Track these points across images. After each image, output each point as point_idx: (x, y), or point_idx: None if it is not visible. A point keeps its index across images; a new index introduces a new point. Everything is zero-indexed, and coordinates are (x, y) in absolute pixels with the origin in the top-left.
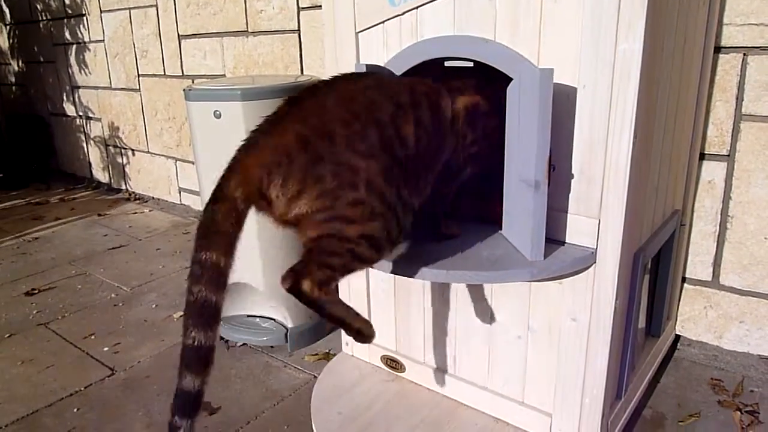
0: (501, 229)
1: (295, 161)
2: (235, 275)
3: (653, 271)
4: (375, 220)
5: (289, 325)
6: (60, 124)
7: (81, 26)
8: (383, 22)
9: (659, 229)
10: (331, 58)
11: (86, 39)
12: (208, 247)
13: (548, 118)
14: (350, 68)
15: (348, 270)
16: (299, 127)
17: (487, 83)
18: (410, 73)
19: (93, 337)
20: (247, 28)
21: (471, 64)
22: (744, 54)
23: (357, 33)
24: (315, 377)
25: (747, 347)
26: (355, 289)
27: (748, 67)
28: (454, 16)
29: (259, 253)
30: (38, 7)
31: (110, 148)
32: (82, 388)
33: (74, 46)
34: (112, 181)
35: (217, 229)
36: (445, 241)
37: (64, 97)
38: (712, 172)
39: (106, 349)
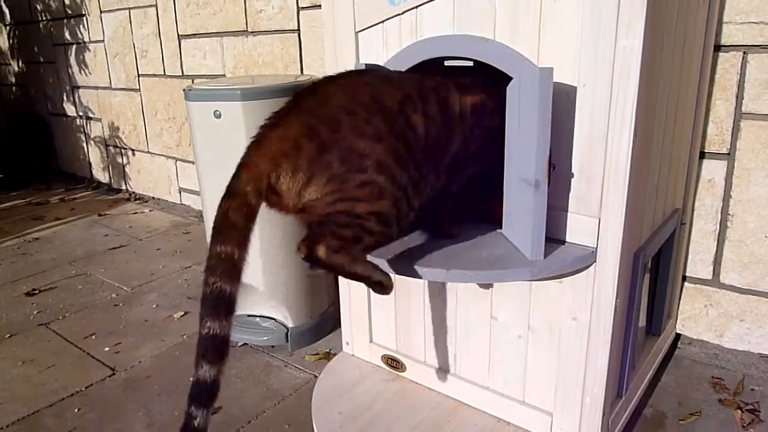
0: (501, 229)
1: (303, 150)
2: None
3: (653, 270)
4: (384, 198)
5: (290, 324)
6: (60, 125)
7: (81, 26)
8: (383, 21)
9: (659, 228)
10: (330, 58)
11: (86, 39)
12: (222, 241)
13: (548, 117)
14: (350, 68)
15: (359, 241)
16: (306, 117)
17: (492, 82)
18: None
19: (94, 337)
20: (247, 27)
21: (471, 64)
22: (744, 52)
23: (357, 32)
24: (316, 377)
25: (747, 345)
26: (355, 288)
27: (748, 65)
28: (453, 16)
29: (259, 253)
30: (38, 7)
31: (110, 148)
32: (83, 388)
33: (74, 47)
34: (113, 181)
35: (231, 223)
36: (445, 240)
37: (64, 98)
38: (712, 170)
39: (106, 349)
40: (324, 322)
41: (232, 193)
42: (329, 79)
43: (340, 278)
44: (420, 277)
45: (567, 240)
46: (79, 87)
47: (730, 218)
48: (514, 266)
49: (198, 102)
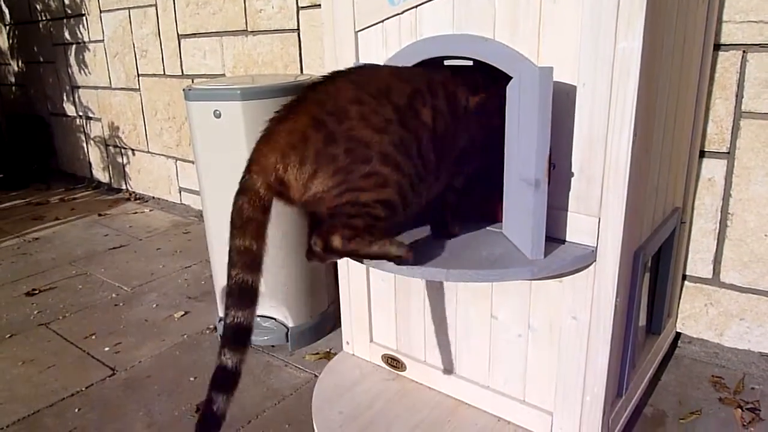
0: (501, 228)
1: (310, 141)
2: None
3: (653, 269)
4: (388, 186)
5: (290, 324)
6: (60, 124)
7: (80, 26)
8: (382, 21)
9: (659, 227)
10: (330, 58)
11: (86, 39)
12: (240, 235)
13: (548, 116)
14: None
15: (370, 228)
16: (315, 110)
17: (495, 80)
18: None
19: (94, 337)
20: (247, 27)
21: (471, 63)
22: (743, 51)
23: (356, 32)
24: (316, 376)
25: (748, 344)
26: (355, 288)
27: (748, 64)
28: (453, 15)
29: None
30: (38, 7)
31: (110, 147)
32: (83, 388)
33: (74, 46)
34: (113, 180)
35: (246, 218)
36: (445, 240)
37: (64, 97)
38: (712, 169)
39: (106, 349)
40: (324, 321)
41: (244, 188)
42: (338, 74)
43: (340, 278)
44: (420, 277)
45: (567, 239)
46: (78, 87)
47: (730, 217)
48: (515, 266)
49: (198, 102)
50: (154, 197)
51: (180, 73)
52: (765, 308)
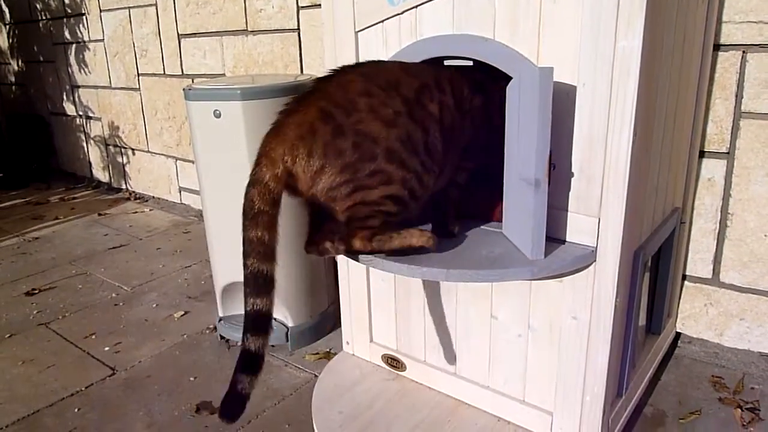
0: (501, 228)
1: (318, 134)
2: (236, 275)
3: (653, 269)
4: (393, 183)
5: (290, 324)
6: (60, 124)
7: (80, 25)
8: (382, 21)
9: (659, 227)
10: (330, 58)
11: (86, 38)
12: (252, 227)
13: (548, 116)
14: None
15: (387, 223)
16: (324, 103)
17: (496, 80)
18: None
19: (94, 336)
20: (247, 27)
21: (471, 63)
22: (743, 51)
23: (356, 32)
24: (316, 376)
25: (747, 344)
26: (355, 288)
27: (748, 64)
28: (453, 15)
29: None
30: (38, 6)
31: (110, 147)
32: (83, 388)
33: (74, 46)
34: (112, 180)
35: (257, 210)
36: (445, 239)
37: (64, 97)
38: (711, 169)
39: (106, 348)
40: (324, 321)
41: (254, 180)
42: (347, 67)
43: (340, 278)
44: (420, 277)
45: (567, 239)
46: (78, 86)
47: (730, 217)
48: (515, 266)
49: (198, 101)
50: (154, 197)
51: (180, 73)
52: (765, 308)
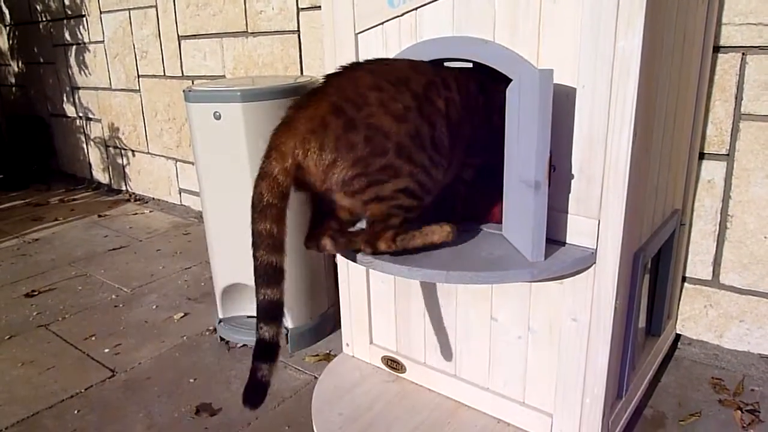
0: (500, 230)
1: (330, 127)
2: (236, 276)
3: (653, 271)
4: (401, 176)
5: (290, 325)
6: (60, 125)
7: (81, 27)
8: (382, 23)
9: (659, 229)
10: (330, 59)
11: (86, 40)
12: (261, 220)
13: (548, 118)
14: None
15: (407, 218)
16: (335, 98)
17: (496, 81)
18: None
19: (93, 338)
20: (247, 28)
21: (470, 65)
22: (743, 53)
23: (356, 34)
24: (316, 378)
25: (747, 346)
26: (355, 290)
27: (747, 66)
28: (453, 17)
29: None
30: (38, 8)
31: (110, 148)
32: (83, 390)
33: (74, 47)
34: (113, 181)
35: (265, 203)
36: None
37: (64, 98)
38: (711, 171)
39: (106, 350)
40: (324, 323)
41: (263, 173)
42: (356, 64)
43: (340, 280)
44: (420, 278)
45: (567, 241)
46: (79, 88)
47: (730, 219)
48: (515, 267)
49: (198, 103)
50: (154, 198)
51: (180, 74)
52: (765, 310)
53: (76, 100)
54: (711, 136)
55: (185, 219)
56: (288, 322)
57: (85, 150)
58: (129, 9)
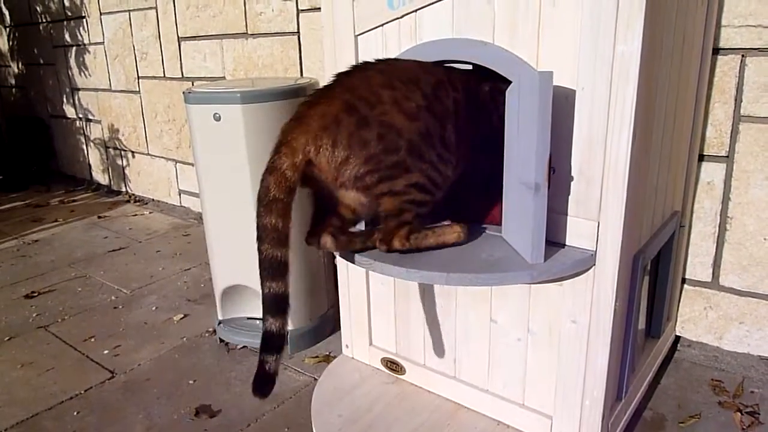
0: (500, 232)
1: (342, 124)
2: (235, 277)
3: (653, 273)
4: (412, 171)
5: (289, 327)
6: (60, 126)
7: (81, 28)
8: (382, 25)
9: (659, 231)
10: (330, 61)
11: (86, 41)
12: (266, 214)
13: (548, 120)
14: None
15: (419, 213)
16: (347, 96)
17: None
18: None
19: (93, 339)
20: (247, 30)
21: (470, 67)
22: (742, 55)
23: (356, 36)
24: (315, 380)
25: (747, 348)
26: (354, 291)
27: (747, 68)
28: (452, 19)
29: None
30: (38, 9)
31: (110, 150)
32: (82, 391)
33: (74, 48)
34: (112, 183)
35: (272, 197)
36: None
37: (64, 99)
38: (711, 173)
39: (106, 351)
40: (324, 324)
41: (271, 168)
42: (366, 63)
43: (340, 281)
44: (420, 280)
45: (567, 243)
46: (78, 89)
47: (729, 221)
48: (514, 269)
49: (198, 105)
50: (153, 199)
51: (180, 76)
52: (764, 312)
53: (76, 102)
54: (710, 137)
55: (185, 220)
56: (288, 323)
57: (85, 151)
58: (129, 10)
